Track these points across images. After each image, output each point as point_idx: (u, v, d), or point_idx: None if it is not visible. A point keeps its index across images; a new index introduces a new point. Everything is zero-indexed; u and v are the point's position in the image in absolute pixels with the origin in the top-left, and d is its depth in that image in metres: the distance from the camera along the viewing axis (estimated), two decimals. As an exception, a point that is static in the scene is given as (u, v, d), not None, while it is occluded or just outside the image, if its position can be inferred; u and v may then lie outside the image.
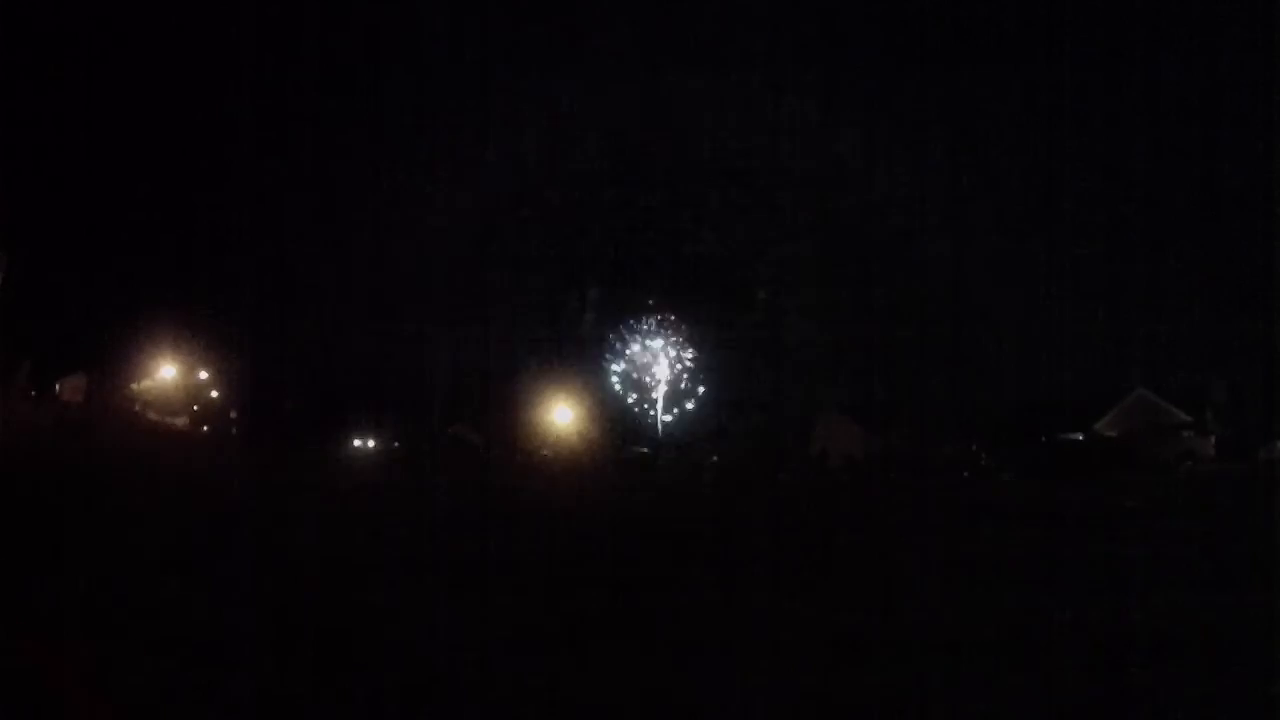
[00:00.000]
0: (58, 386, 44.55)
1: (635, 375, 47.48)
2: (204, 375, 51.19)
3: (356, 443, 44.92)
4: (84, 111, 43.63)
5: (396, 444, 44.04)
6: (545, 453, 41.11)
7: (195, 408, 50.21)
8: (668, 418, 47.64)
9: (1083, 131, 46.19)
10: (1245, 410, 44.86)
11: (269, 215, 47.03)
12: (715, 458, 40.35)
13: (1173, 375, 44.86)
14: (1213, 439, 43.88)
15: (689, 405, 47.76)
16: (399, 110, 47.19)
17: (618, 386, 47.59)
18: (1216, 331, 45.39)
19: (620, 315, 47.14)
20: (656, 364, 47.56)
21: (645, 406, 47.93)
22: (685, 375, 48.00)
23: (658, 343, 47.79)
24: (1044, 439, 41.33)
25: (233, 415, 50.12)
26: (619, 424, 45.62)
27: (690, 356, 47.80)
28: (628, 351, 47.63)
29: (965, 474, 40.26)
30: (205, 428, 47.99)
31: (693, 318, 47.40)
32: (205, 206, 48.34)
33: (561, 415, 44.38)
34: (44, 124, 42.03)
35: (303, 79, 48.30)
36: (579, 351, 45.88)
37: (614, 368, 47.73)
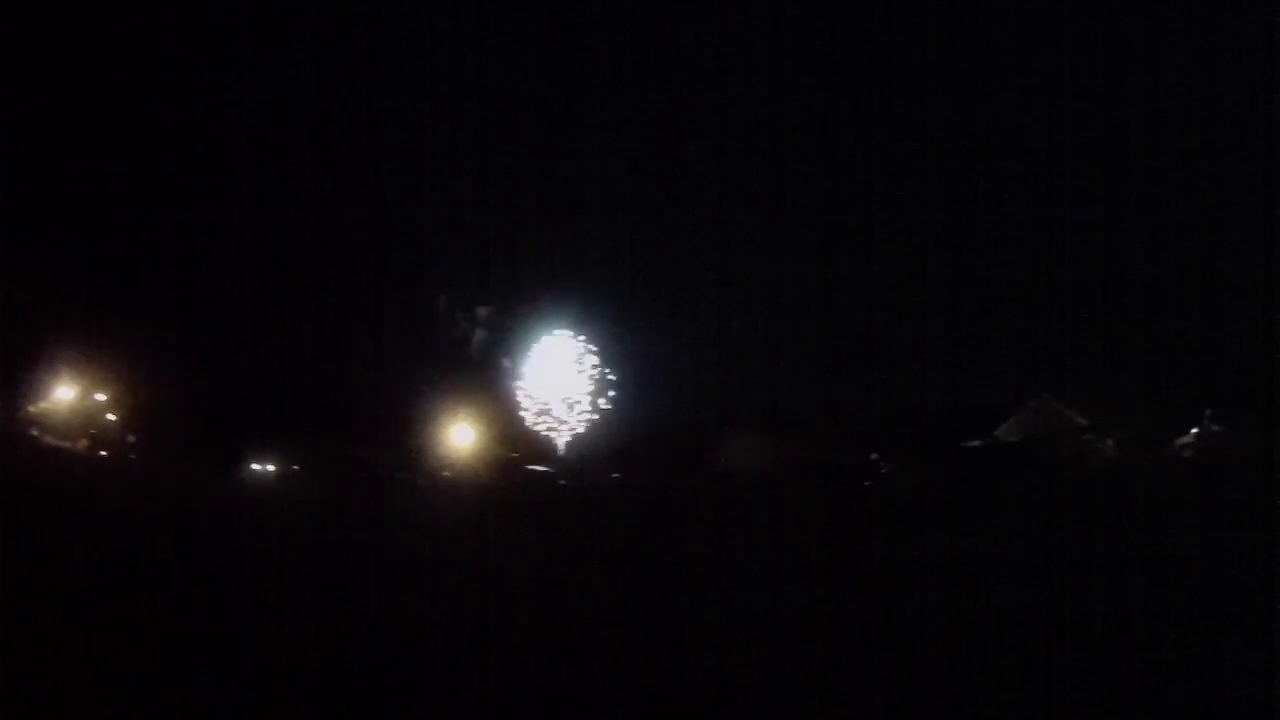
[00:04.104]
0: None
1: (533, 392, 47.50)
2: (101, 397, 49.89)
3: (255, 466, 44.16)
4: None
5: (296, 467, 43.44)
6: (447, 474, 41.02)
7: (93, 431, 48.95)
8: (569, 436, 47.60)
9: (975, 134, 46.63)
10: (1147, 412, 45.84)
11: (162, 234, 45.94)
12: (616, 475, 40.48)
13: (1074, 380, 45.65)
14: (1112, 441, 44.83)
15: (592, 422, 47.73)
16: (294, 124, 46.26)
17: (516, 404, 47.49)
18: (1117, 336, 46.35)
19: (514, 332, 47.13)
20: (555, 381, 47.54)
21: (546, 424, 47.83)
22: (588, 391, 47.93)
23: (556, 359, 47.76)
24: (945, 446, 41.83)
25: (130, 439, 49.04)
26: (520, 443, 45.52)
27: (592, 371, 47.79)
28: (522, 368, 47.64)
29: (866, 483, 40.71)
30: (103, 452, 46.89)
31: (593, 333, 47.42)
32: (99, 226, 47.08)
33: (462, 435, 44.20)
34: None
35: (193, 91, 47.05)
36: (473, 370, 45.81)
37: (510, 385, 47.63)
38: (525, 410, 47.25)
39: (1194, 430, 44.40)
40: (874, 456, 43.10)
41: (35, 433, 46.69)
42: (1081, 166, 47.20)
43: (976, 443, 42.94)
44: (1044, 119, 47.28)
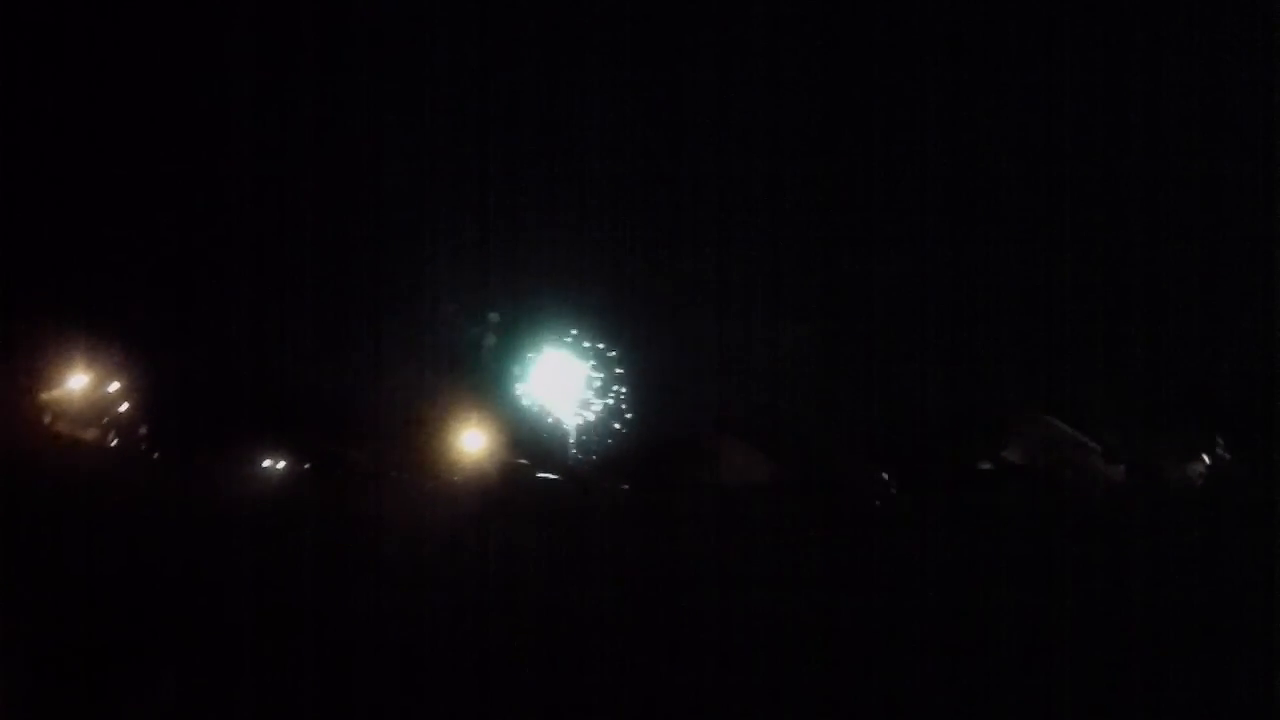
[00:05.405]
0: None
1: (541, 398, 47.86)
2: (116, 386, 50.17)
3: (266, 463, 44.58)
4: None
5: (307, 465, 43.86)
6: (455, 479, 41.39)
7: (105, 420, 49.24)
8: (577, 443, 47.90)
9: (957, 149, 46.17)
10: (1154, 437, 45.55)
11: (178, 228, 46.25)
12: (625, 486, 40.67)
13: (1081, 403, 45.33)
14: (1122, 466, 44.56)
15: (597, 428, 48.04)
16: (298, 125, 46.38)
17: (524, 410, 47.83)
18: (1127, 356, 45.95)
19: (523, 337, 47.43)
20: (564, 387, 47.86)
21: (555, 430, 48.18)
22: (594, 398, 48.21)
23: (566, 365, 48.01)
24: (952, 466, 41.60)
25: (143, 430, 49.38)
26: (528, 450, 45.76)
27: (598, 377, 48.08)
28: (531, 374, 47.97)
29: (876, 502, 40.51)
30: (115, 442, 47.28)
31: (603, 338, 47.63)
32: (115, 218, 47.36)
33: (472, 440, 44.50)
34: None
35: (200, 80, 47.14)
36: (482, 375, 46.11)
37: (519, 390, 48.02)
38: (533, 416, 47.56)
39: (1205, 457, 44.08)
40: (884, 476, 42.93)
41: (47, 420, 46.94)
42: (1089, 177, 46.61)
43: (987, 465, 42.72)
44: (1043, 124, 46.70)
